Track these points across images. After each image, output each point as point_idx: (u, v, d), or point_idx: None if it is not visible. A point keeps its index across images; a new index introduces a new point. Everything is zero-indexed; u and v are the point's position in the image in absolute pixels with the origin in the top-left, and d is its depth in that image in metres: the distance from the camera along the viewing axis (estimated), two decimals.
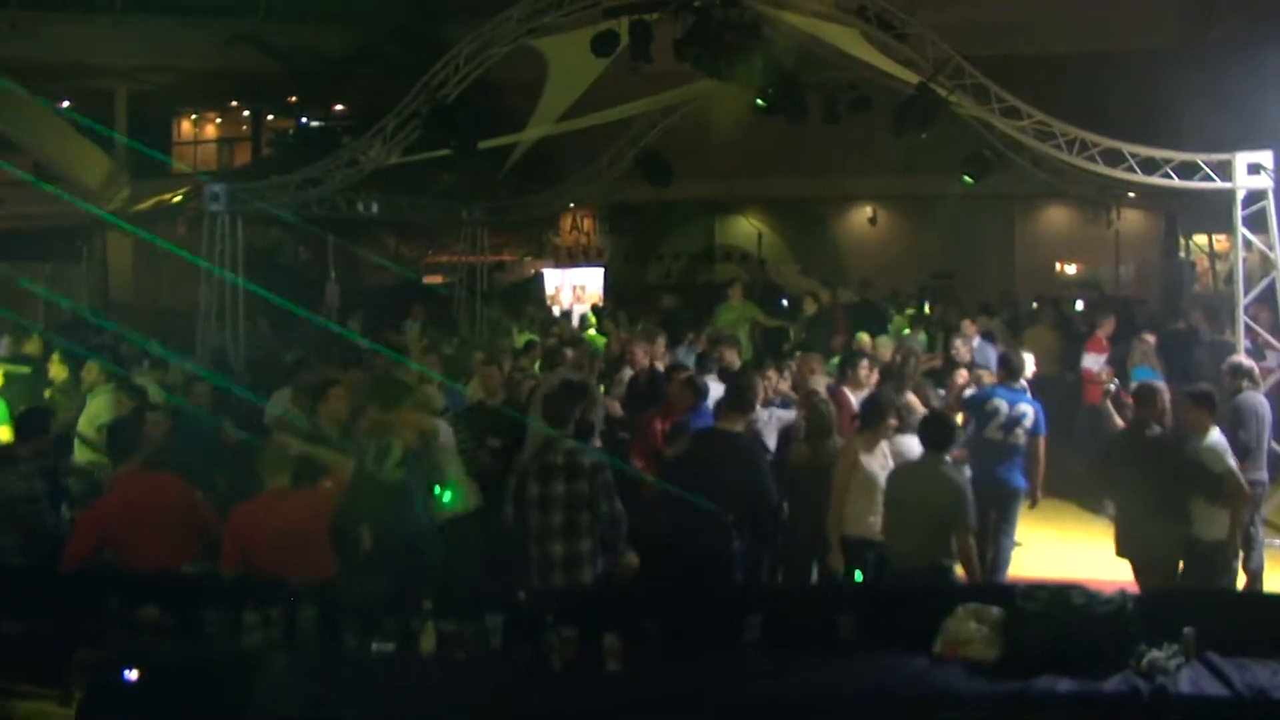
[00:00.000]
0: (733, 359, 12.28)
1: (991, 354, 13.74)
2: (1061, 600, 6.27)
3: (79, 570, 7.52)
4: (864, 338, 13.94)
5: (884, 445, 9.03)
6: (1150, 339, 13.84)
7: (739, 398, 9.22)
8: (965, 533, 8.06)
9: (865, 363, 11.42)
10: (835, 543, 8.94)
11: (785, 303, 20.55)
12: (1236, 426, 10.05)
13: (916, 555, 8.05)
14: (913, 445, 8.93)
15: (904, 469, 8.67)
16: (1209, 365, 13.13)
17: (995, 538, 10.65)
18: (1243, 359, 11.19)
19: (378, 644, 6.36)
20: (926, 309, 21.31)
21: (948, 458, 8.50)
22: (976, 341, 14.08)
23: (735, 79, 14.67)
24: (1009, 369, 11.09)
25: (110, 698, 5.99)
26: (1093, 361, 14.67)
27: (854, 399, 10.61)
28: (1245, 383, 10.53)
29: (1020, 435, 10.56)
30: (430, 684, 6.16)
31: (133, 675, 5.96)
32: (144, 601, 6.68)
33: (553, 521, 7.87)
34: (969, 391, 11.37)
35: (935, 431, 8.43)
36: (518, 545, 8.02)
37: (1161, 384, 9.86)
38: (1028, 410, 10.60)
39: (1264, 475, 10.42)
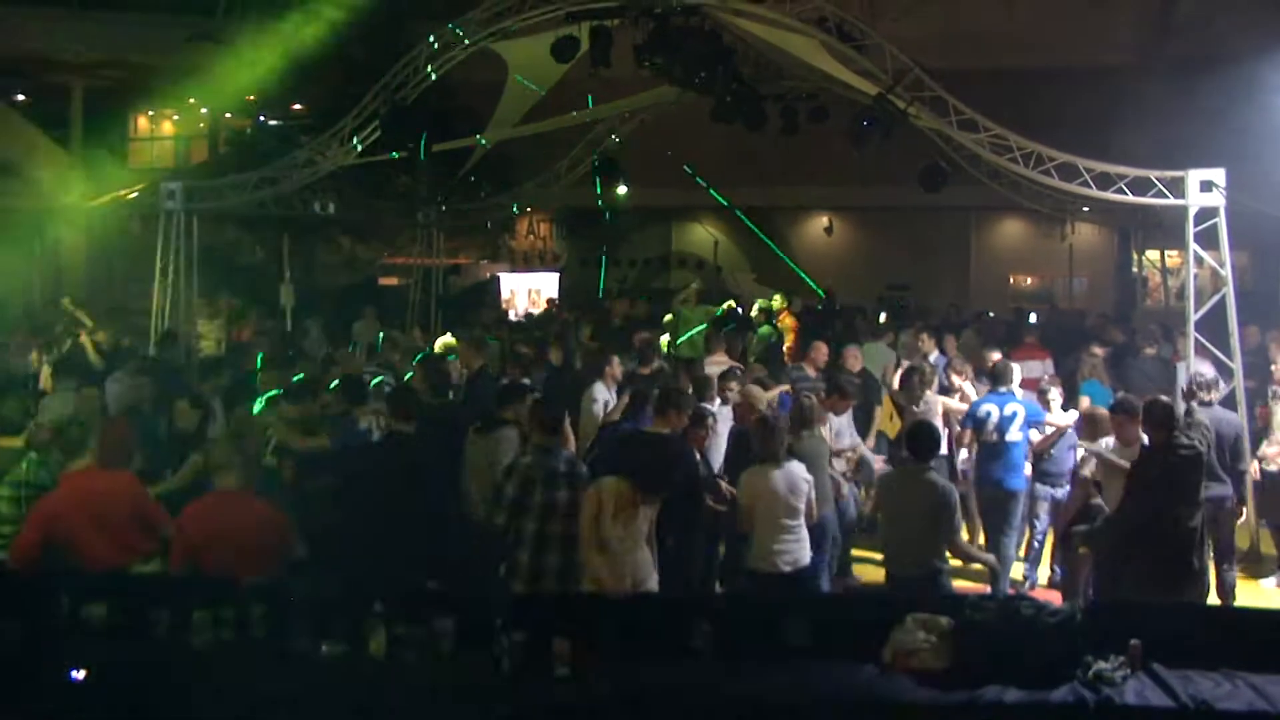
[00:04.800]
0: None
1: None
2: (1010, 611, 6.32)
3: (27, 569, 7.43)
4: (820, 346, 13.95)
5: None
6: (1099, 352, 13.93)
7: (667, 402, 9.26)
8: (953, 536, 8.27)
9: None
10: None
11: (739, 309, 20.60)
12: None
13: (909, 560, 8.18)
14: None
15: (892, 478, 8.79)
16: (1148, 379, 13.33)
17: (997, 535, 11.04)
18: (1204, 371, 11.35)
19: (328, 645, 6.33)
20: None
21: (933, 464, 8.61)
22: (934, 356, 14.15)
23: (694, 86, 14.70)
24: (995, 377, 11.60)
25: (59, 698, 5.94)
26: (1024, 369, 14.75)
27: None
28: (1195, 403, 10.70)
29: (1018, 434, 11.01)
30: (379, 686, 6.12)
31: (80, 675, 5.92)
32: (93, 600, 6.60)
33: (552, 530, 7.90)
34: None
35: (922, 441, 8.51)
36: (506, 551, 8.02)
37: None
38: (1019, 409, 11.08)
39: (1227, 490, 10.54)
